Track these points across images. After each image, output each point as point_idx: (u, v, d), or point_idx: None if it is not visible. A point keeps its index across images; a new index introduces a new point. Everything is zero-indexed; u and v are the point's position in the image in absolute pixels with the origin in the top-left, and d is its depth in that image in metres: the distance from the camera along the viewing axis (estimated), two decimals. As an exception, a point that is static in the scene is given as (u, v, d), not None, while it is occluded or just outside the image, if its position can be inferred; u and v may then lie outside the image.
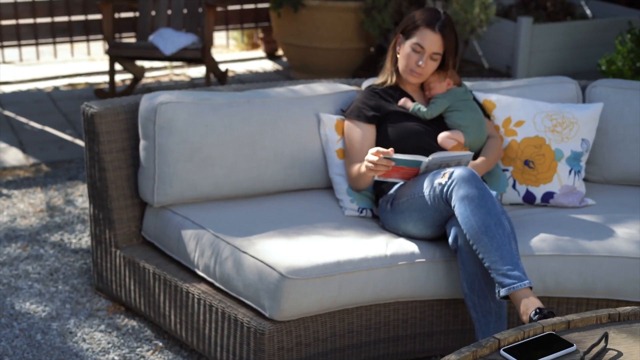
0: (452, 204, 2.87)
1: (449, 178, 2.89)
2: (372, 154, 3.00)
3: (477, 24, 6.20)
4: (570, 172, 3.40)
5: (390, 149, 3.00)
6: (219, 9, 6.65)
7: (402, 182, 3.19)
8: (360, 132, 3.36)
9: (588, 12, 7.88)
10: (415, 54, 3.35)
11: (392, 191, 3.22)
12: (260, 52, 7.77)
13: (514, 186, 3.42)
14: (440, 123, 3.39)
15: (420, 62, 3.34)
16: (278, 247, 2.95)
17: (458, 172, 2.89)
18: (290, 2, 6.37)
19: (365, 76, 6.94)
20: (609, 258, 3.01)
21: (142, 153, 3.30)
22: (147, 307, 3.31)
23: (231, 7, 7.24)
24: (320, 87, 3.60)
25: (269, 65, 7.40)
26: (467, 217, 2.81)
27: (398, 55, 3.43)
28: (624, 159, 3.55)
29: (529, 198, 3.41)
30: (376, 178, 3.07)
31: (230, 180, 3.33)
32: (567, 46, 7.26)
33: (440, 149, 3.31)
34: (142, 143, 3.30)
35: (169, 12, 6.32)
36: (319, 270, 2.86)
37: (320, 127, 3.46)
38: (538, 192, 3.40)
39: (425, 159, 3.03)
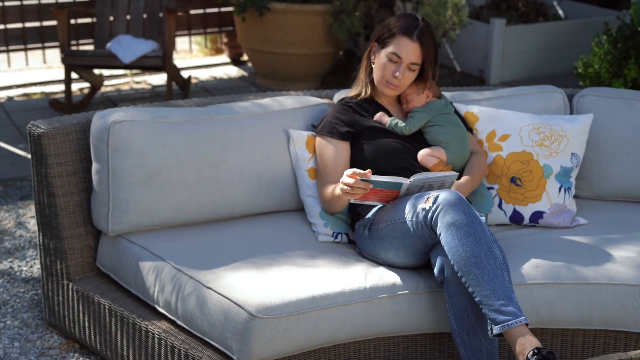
0: (438, 232, 2.61)
1: (434, 203, 2.63)
2: (348, 176, 2.73)
3: (450, 27, 5.96)
4: (560, 189, 3.16)
5: (368, 171, 2.73)
6: (180, 13, 6.34)
7: (380, 205, 2.92)
8: (334, 149, 3.09)
9: (560, 12, 7.68)
10: (391, 64, 3.09)
11: (369, 215, 2.95)
12: (224, 58, 7.48)
13: (500, 206, 3.17)
14: (419, 139, 3.13)
15: (397, 73, 3.08)
16: (246, 281, 2.68)
17: (443, 196, 2.63)
18: (255, 6, 6.09)
19: (334, 82, 6.68)
20: (608, 286, 2.77)
21: (94, 177, 3.01)
22: (104, 346, 3.01)
23: (194, 11, 6.94)
24: (289, 101, 3.33)
25: (233, 72, 7.12)
26: (455, 246, 2.55)
27: (373, 66, 3.17)
28: (615, 174, 3.32)
29: (516, 218, 3.16)
30: (352, 201, 2.80)
31: (192, 205, 3.04)
32: (541, 48, 7.05)
33: (421, 167, 3.06)
34: (94, 166, 3.01)
35: (128, 17, 6.01)
36: (292, 307, 2.58)
37: (290, 144, 3.18)
38: (526, 211, 3.15)
39: (406, 181, 2.77)
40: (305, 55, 6.36)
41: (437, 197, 2.64)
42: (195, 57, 7.65)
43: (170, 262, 2.83)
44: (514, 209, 3.15)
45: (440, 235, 2.60)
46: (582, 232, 3.09)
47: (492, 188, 3.18)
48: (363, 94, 3.19)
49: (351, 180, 2.72)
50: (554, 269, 2.80)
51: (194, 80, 6.75)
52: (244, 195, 3.12)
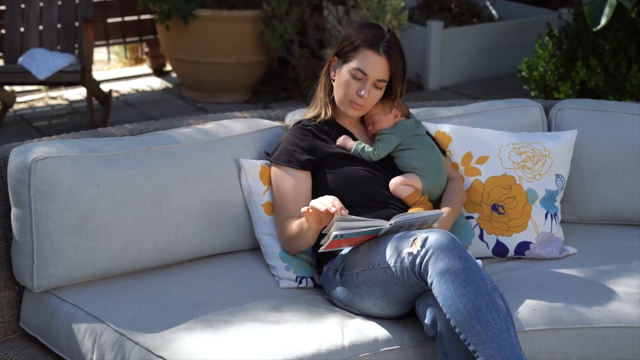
0: (429, 280, 2.24)
1: (422, 246, 2.26)
2: (323, 205, 2.37)
3: (389, 31, 5.61)
4: (546, 215, 2.83)
5: (344, 210, 2.35)
6: (98, 22, 5.85)
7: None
8: (293, 181, 2.70)
9: (494, 13, 7.44)
10: (355, 81, 2.71)
11: (340, 256, 2.57)
12: (145, 68, 7.01)
13: (481, 237, 2.82)
14: (389, 165, 2.77)
15: (363, 92, 2.70)
16: (203, 346, 2.26)
17: (433, 238, 2.26)
18: (180, 14, 5.64)
19: (266, 91, 6.28)
20: (615, 329, 2.44)
21: (15, 224, 2.55)
22: (32, 421, 2.56)
23: (111, 20, 6.45)
24: (237, 125, 2.92)
25: (156, 83, 6.66)
26: (451, 297, 2.18)
27: (333, 83, 2.79)
28: (601, 195, 3.01)
29: (500, 250, 2.82)
30: (322, 249, 2.40)
31: (132, 253, 2.61)
32: (480, 50, 6.78)
33: (393, 197, 2.69)
34: (14, 211, 2.55)
35: (41, 28, 5.51)
36: (261, 376, 2.18)
37: (241, 176, 2.78)
38: (511, 242, 2.81)
39: (385, 224, 2.39)
40: (235, 64, 5.96)
41: (425, 239, 2.26)
42: (114, 67, 7.15)
43: (110, 324, 2.39)
44: (497, 240, 2.81)
45: (432, 284, 2.23)
46: (573, 264, 2.77)
47: (472, 217, 2.83)
48: (323, 115, 2.80)
49: (329, 208, 2.34)
50: (553, 311, 2.46)
51: (114, 94, 6.27)
52: (191, 236, 2.70)
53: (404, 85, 2.80)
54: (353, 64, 2.70)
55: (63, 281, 2.56)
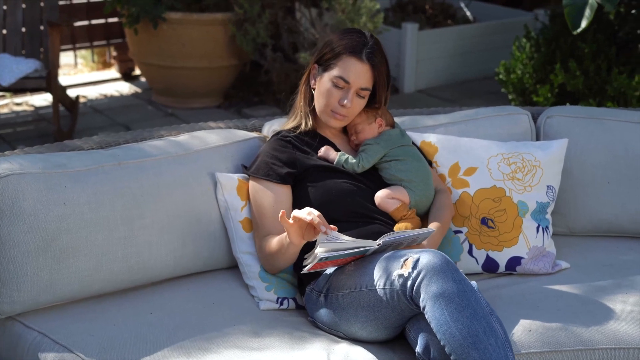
0: (421, 304, 2.10)
1: (414, 268, 2.12)
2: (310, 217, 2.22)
3: (365, 34, 5.47)
4: (537, 229, 2.71)
5: (332, 227, 2.21)
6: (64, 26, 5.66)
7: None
8: (272, 195, 2.55)
9: (469, 14, 7.33)
10: (337, 90, 2.57)
11: (323, 277, 2.42)
12: (113, 73, 6.81)
13: (470, 252, 2.69)
14: (374, 177, 2.63)
15: (345, 101, 2.56)
16: (180, 376, 2.11)
17: (426, 259, 2.12)
18: (149, 17, 5.47)
19: (237, 96, 6.12)
20: (616, 350, 2.32)
21: (-25, 246, 2.38)
22: None
23: (78, 23, 6.25)
24: (212, 136, 2.76)
25: (125, 88, 6.47)
26: (446, 323, 2.04)
27: (314, 92, 2.64)
28: (593, 206, 2.89)
29: (490, 266, 2.69)
30: (305, 270, 2.26)
31: (102, 274, 2.45)
32: (456, 53, 6.67)
33: (379, 211, 2.55)
34: (-26, 233, 2.38)
35: (4, 32, 5.30)
36: (243, 409, 2.03)
37: (218, 191, 2.63)
38: (501, 257, 2.68)
39: (373, 245, 2.25)
40: (207, 68, 5.79)
41: (417, 260, 2.13)
42: (81, 72, 6.95)
43: (79, 353, 2.23)
44: (487, 255, 2.68)
45: (424, 308, 2.09)
46: (567, 280, 2.64)
47: (460, 231, 2.70)
48: (303, 125, 2.66)
49: (314, 220, 2.20)
50: (550, 332, 2.34)
51: (82, 100, 6.08)
52: (165, 256, 2.55)
53: (388, 93, 2.67)
54: (334, 71, 2.56)
55: (28, 307, 2.39)
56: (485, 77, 6.71)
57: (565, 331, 2.35)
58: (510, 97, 5.64)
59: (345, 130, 2.73)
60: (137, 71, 6.66)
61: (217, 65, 5.79)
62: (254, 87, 6.24)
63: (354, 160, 2.60)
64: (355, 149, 2.70)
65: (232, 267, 2.69)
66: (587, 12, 4.55)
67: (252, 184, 2.60)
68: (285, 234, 2.37)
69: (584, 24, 4.55)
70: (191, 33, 5.63)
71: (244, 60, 5.92)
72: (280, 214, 2.24)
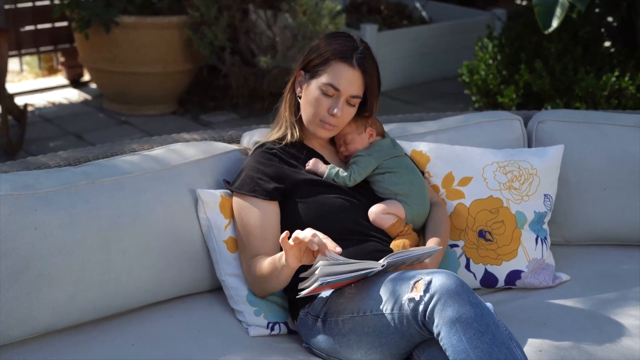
0: (435, 330, 1.95)
1: (426, 291, 1.96)
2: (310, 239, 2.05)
3: (326, 36, 5.32)
4: (536, 240, 2.58)
5: (337, 248, 2.05)
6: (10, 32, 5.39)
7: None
8: (259, 213, 2.38)
9: (424, 14, 7.22)
10: (326, 98, 2.41)
11: (319, 300, 2.26)
12: (61, 79, 6.54)
13: (467, 267, 2.55)
14: (366, 191, 2.47)
15: (336, 110, 2.40)
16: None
17: (438, 281, 1.96)
18: (101, 21, 5.23)
19: (193, 102, 5.91)
20: (632, 368, 2.20)
21: (-64, 277, 2.16)
22: None
23: (23, 28, 5.98)
24: (189, 150, 2.58)
25: (74, 95, 6.21)
26: (464, 351, 1.89)
27: (300, 101, 2.48)
28: (590, 214, 2.77)
29: (489, 281, 2.56)
30: (302, 295, 2.08)
31: (78, 303, 2.25)
32: (416, 54, 6.55)
33: (373, 227, 2.39)
34: None
35: (-54, 38, 5.03)
36: None
37: (199, 208, 2.44)
38: (500, 272, 2.55)
39: (377, 266, 2.09)
40: (161, 74, 5.58)
41: (429, 282, 1.97)
42: (26, 79, 6.66)
43: (58, 393, 2.04)
44: (486, 270, 2.55)
45: (439, 334, 1.93)
46: (569, 293, 2.52)
47: (457, 245, 2.56)
48: (289, 137, 2.49)
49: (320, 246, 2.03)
50: (562, 352, 2.20)
51: (29, 108, 5.81)
52: (145, 281, 2.36)
53: (378, 101, 2.51)
54: (323, 78, 2.40)
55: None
56: (445, 78, 6.61)
57: (578, 350, 2.22)
58: (474, 98, 5.54)
59: (332, 141, 2.57)
60: (87, 77, 6.41)
61: (172, 70, 5.58)
62: (209, 92, 6.04)
63: (345, 174, 2.44)
64: (344, 161, 2.54)
65: (216, 289, 2.51)
66: (558, 12, 4.47)
67: (236, 200, 2.42)
68: (278, 255, 2.21)
69: (555, 23, 4.47)
70: (145, 37, 5.41)
71: (199, 64, 5.72)
72: (283, 235, 2.07)
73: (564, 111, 2.91)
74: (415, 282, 1.99)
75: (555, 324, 2.33)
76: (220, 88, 5.97)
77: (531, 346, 2.22)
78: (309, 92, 2.43)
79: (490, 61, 5.47)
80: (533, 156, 2.65)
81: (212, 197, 2.45)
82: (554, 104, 4.94)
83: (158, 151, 2.56)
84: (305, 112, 2.46)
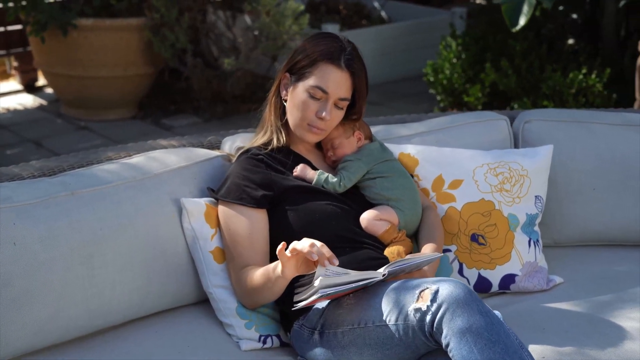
0: (444, 342, 1.87)
1: (433, 300, 1.89)
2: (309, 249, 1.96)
3: (290, 37, 5.24)
4: (529, 243, 2.52)
5: (334, 260, 1.96)
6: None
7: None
8: (247, 221, 2.28)
9: (383, 14, 7.17)
10: (314, 101, 2.32)
11: (315, 311, 2.17)
12: (14, 84, 6.36)
13: (460, 272, 2.49)
14: (356, 197, 2.39)
15: (324, 113, 2.32)
16: None
17: (446, 290, 1.89)
18: (58, 24, 5.07)
19: (153, 105, 5.78)
20: (637, 373, 2.15)
21: None
22: None
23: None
24: (171, 157, 2.47)
25: (29, 101, 6.03)
26: (475, 362, 1.82)
27: (285, 104, 2.39)
28: (580, 215, 2.72)
29: (483, 286, 2.49)
30: (299, 307, 1.99)
31: (60, 321, 2.13)
32: (377, 54, 6.49)
33: (366, 234, 2.32)
34: None
35: None
36: None
37: (183, 218, 2.34)
38: (494, 276, 2.49)
39: (377, 276, 2.01)
40: (121, 77, 5.44)
41: (436, 291, 1.89)
42: (-24, 84, 6.47)
43: (45, 418, 1.92)
44: (479, 275, 2.48)
45: (448, 346, 1.86)
46: (564, 296, 2.47)
47: (449, 250, 2.49)
48: (275, 141, 2.40)
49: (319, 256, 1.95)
50: (566, 357, 2.14)
51: (-17, 115, 5.63)
52: (128, 296, 2.25)
53: (364, 104, 2.44)
54: (311, 81, 2.31)
55: (-25, 364, 2.06)
56: (406, 78, 6.56)
57: (582, 355, 2.16)
58: (439, 97, 5.50)
59: (319, 146, 2.49)
60: (42, 82, 6.24)
61: (132, 73, 5.45)
62: (170, 95, 5.92)
63: (334, 179, 2.36)
64: (332, 166, 2.46)
65: (202, 301, 2.41)
66: (525, 9, 4.44)
67: (222, 209, 2.33)
68: (271, 265, 2.12)
69: (522, 21, 4.44)
70: (104, 40, 5.27)
71: (160, 67, 5.59)
72: (280, 247, 1.98)
73: (550, 110, 2.87)
74: (421, 292, 1.92)
75: (555, 329, 2.27)
76: (182, 91, 5.85)
77: (534, 352, 2.15)
78: (296, 95, 2.34)
79: (455, 60, 5.43)
80: (523, 157, 2.59)
81: (197, 206, 2.35)
82: (520, 102, 4.91)
83: (137, 159, 2.45)
84: (291, 116, 2.37)
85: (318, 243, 1.97)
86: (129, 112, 5.67)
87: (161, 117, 5.64)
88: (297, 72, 2.34)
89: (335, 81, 2.31)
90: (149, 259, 2.28)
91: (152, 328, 2.28)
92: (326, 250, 1.96)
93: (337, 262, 1.97)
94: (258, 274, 2.18)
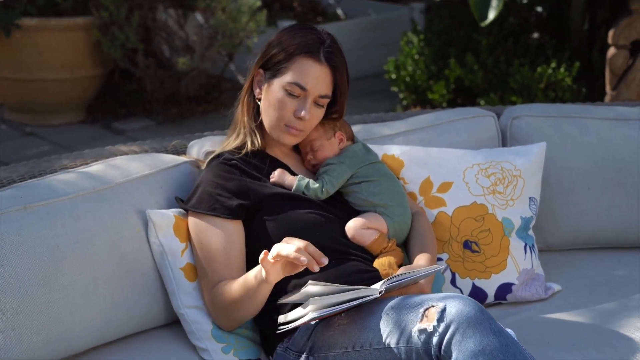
0: (454, 365, 1.67)
1: (440, 320, 1.69)
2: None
3: (246, 35, 5.01)
4: (525, 248, 2.34)
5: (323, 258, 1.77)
6: None
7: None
8: (221, 234, 2.06)
9: (340, 11, 6.98)
10: (291, 99, 2.11)
11: (302, 332, 1.96)
12: (-46, 90, 6.01)
13: (453, 282, 2.29)
14: (340, 204, 2.18)
15: (303, 112, 2.10)
16: None
17: (455, 308, 1.69)
18: (0, 24, 4.78)
19: (102, 109, 5.50)
20: (653, 388, 1.98)
21: None
22: None
23: None
24: (133, 164, 2.24)
25: (-32, 106, 5.70)
26: (491, 388, 1.63)
27: (260, 103, 2.17)
28: (573, 216, 2.54)
29: (478, 297, 2.30)
30: (286, 328, 1.77)
31: (16, 352, 1.89)
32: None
33: (353, 244, 2.11)
34: None
35: None
36: None
37: (150, 232, 2.11)
38: (490, 286, 2.30)
39: (374, 293, 1.80)
40: (68, 80, 5.15)
41: (443, 310, 1.70)
42: None
43: None
44: (474, 285, 2.29)
45: (459, 369, 1.66)
46: (564, 305, 2.29)
47: (440, 259, 2.29)
48: (249, 145, 2.18)
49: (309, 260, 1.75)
50: (576, 374, 1.97)
51: None
52: (91, 321, 2.01)
53: (346, 101, 2.23)
54: (287, 77, 2.10)
55: None
56: (366, 76, 6.36)
57: (592, 371, 1.99)
58: (401, 95, 5.32)
59: (297, 149, 2.27)
60: (-18, 86, 5.91)
61: (79, 75, 5.16)
62: (120, 97, 5.64)
63: (316, 185, 2.14)
64: (312, 171, 2.24)
65: (172, 322, 2.18)
66: (495, 3, 4.28)
67: (193, 221, 2.10)
68: (250, 272, 1.92)
69: (492, 15, 4.28)
70: (49, 40, 4.98)
71: (109, 68, 5.32)
72: (262, 255, 1.79)
73: (538, 105, 2.70)
74: (426, 310, 1.72)
75: (561, 343, 2.09)
76: (133, 93, 5.58)
77: (539, 369, 1.97)
78: (271, 93, 2.13)
79: (417, 56, 5.26)
80: (515, 156, 2.41)
81: (165, 218, 2.12)
82: (487, 98, 4.76)
83: (96, 167, 2.21)
84: (267, 116, 2.15)
85: (302, 243, 1.78)
86: (77, 116, 5.39)
87: (112, 121, 5.37)
88: (272, 68, 2.13)
89: (315, 77, 2.10)
90: (112, 279, 2.04)
91: (117, 355, 2.05)
92: (313, 250, 1.78)
93: (326, 260, 1.79)
94: (236, 286, 1.97)
